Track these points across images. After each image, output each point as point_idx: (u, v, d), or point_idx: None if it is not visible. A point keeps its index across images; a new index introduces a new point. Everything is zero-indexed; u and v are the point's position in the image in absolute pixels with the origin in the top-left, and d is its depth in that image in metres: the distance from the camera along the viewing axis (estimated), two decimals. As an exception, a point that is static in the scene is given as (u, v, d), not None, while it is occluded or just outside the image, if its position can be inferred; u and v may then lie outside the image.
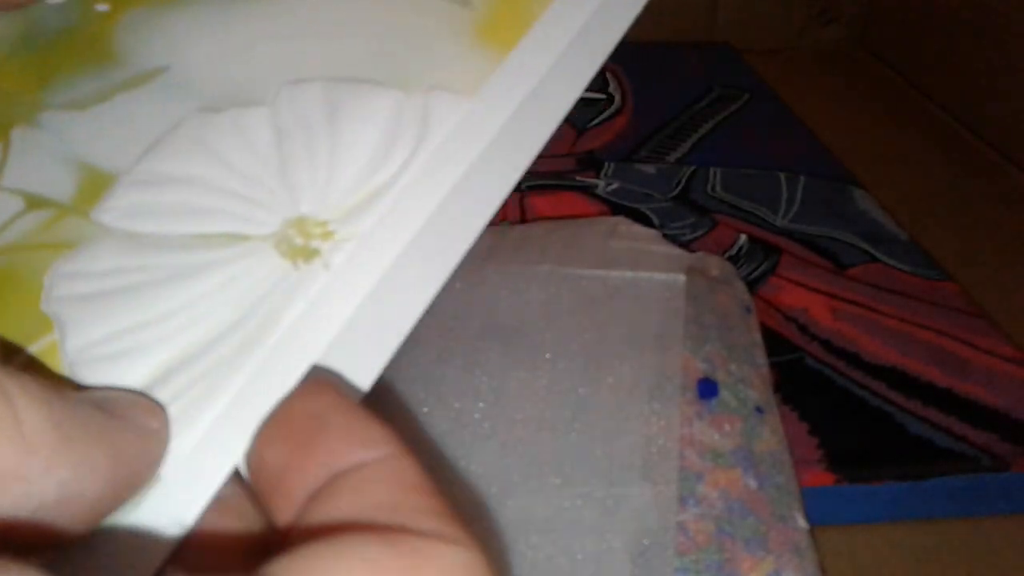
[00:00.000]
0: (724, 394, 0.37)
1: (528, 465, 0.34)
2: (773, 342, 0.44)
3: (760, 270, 0.51)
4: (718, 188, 0.59)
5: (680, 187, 0.59)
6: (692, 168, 0.61)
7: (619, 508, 0.32)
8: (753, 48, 0.83)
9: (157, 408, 0.18)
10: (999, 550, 0.39)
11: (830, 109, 0.74)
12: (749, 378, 0.38)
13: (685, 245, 0.51)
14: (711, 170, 0.61)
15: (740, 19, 0.85)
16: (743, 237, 0.54)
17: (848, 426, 0.41)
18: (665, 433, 0.35)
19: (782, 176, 0.60)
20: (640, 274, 0.42)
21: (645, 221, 0.54)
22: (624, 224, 0.46)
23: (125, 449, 0.17)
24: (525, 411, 0.36)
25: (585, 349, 0.39)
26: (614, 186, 0.58)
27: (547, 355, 0.38)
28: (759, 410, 0.37)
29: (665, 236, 0.47)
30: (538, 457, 0.34)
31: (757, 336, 0.41)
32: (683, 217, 0.55)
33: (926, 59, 0.78)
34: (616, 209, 0.55)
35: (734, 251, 0.53)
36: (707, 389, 0.37)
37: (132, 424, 0.17)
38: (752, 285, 0.49)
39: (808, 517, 0.34)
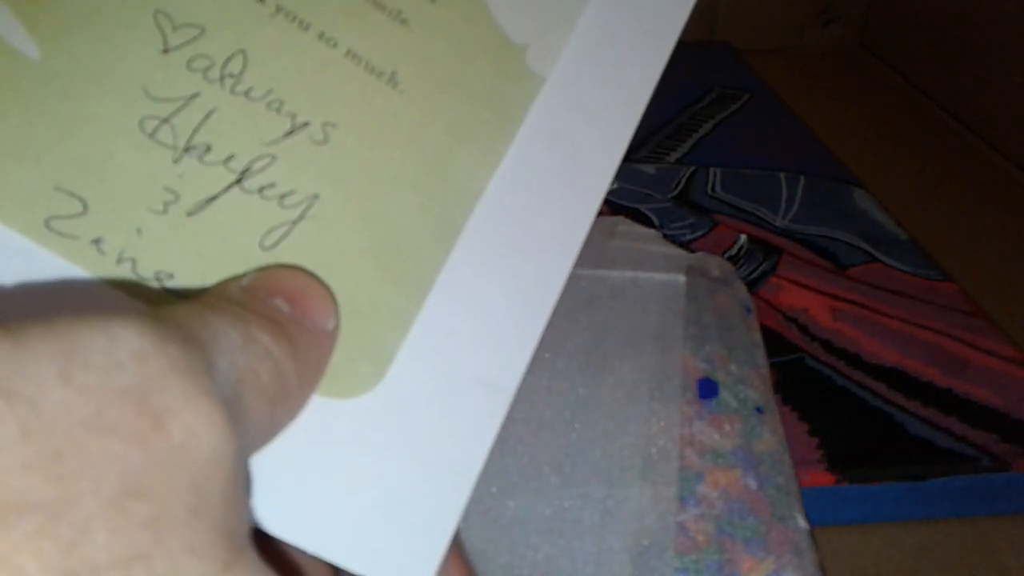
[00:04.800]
0: (724, 394, 0.37)
1: (528, 465, 0.34)
2: (773, 342, 0.44)
3: (760, 270, 0.51)
4: (718, 188, 0.59)
5: (680, 187, 0.59)
6: (692, 168, 0.61)
7: (619, 508, 0.32)
8: (753, 48, 0.83)
9: (331, 302, 0.19)
10: (999, 550, 0.38)
11: (830, 109, 0.74)
12: (749, 378, 0.38)
13: (685, 245, 0.51)
14: (711, 170, 0.61)
15: (740, 19, 0.85)
16: (743, 237, 0.54)
17: (848, 426, 0.41)
18: (665, 433, 0.35)
19: (782, 176, 0.60)
20: (640, 274, 0.42)
21: (645, 221, 0.54)
22: (624, 224, 0.46)
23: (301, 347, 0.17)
24: (525, 411, 0.36)
25: (585, 349, 0.39)
26: (614, 186, 0.58)
27: (547, 355, 0.38)
28: (759, 410, 0.37)
29: (665, 236, 0.47)
30: (538, 457, 0.34)
31: (757, 336, 0.41)
32: (683, 217, 0.55)
33: (926, 59, 0.78)
34: (616, 209, 0.55)
35: (734, 251, 0.53)
36: (707, 389, 0.37)
37: (307, 323, 0.18)
38: (752, 285, 0.49)
39: (808, 517, 0.34)
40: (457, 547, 0.21)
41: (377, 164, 0.20)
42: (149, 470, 0.13)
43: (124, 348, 0.13)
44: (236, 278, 0.18)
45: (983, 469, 0.39)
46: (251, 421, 0.15)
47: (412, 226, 0.20)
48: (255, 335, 0.16)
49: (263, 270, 0.18)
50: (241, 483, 0.14)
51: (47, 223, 0.18)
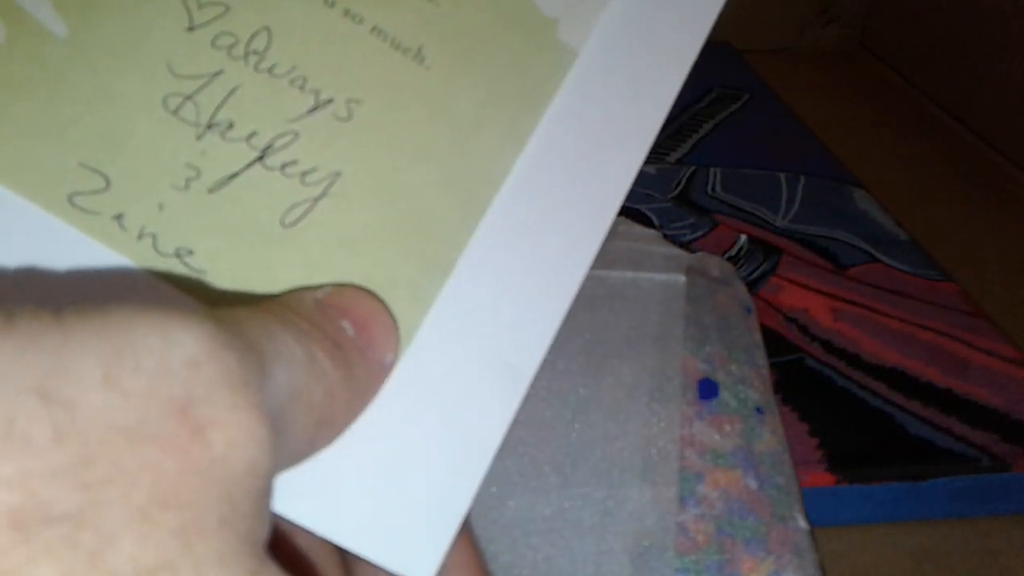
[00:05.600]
0: (724, 394, 0.37)
1: (528, 465, 0.34)
2: (773, 342, 0.44)
3: (760, 270, 0.51)
4: (718, 188, 0.59)
5: (680, 187, 0.59)
6: (692, 168, 0.61)
7: (619, 509, 0.32)
8: (753, 48, 0.83)
9: (395, 336, 0.18)
10: (999, 550, 0.39)
11: (830, 109, 0.74)
12: (749, 378, 0.38)
13: (685, 245, 0.51)
14: (711, 170, 0.61)
15: (740, 19, 0.85)
16: (743, 237, 0.54)
17: (848, 426, 0.41)
18: (665, 433, 0.35)
19: (782, 176, 0.60)
20: (640, 274, 0.42)
21: (645, 221, 0.54)
22: (624, 224, 0.46)
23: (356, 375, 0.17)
24: (525, 411, 0.36)
25: (585, 349, 0.39)
26: (614, 186, 0.58)
27: (547, 355, 0.38)
28: (759, 410, 0.37)
29: (665, 236, 0.47)
30: (538, 457, 0.34)
31: (757, 336, 0.41)
32: (683, 217, 0.55)
33: (926, 59, 0.78)
34: (616, 209, 0.55)
35: (734, 251, 0.53)
36: (707, 389, 0.37)
37: (368, 352, 0.17)
38: (752, 285, 0.49)
39: (808, 517, 0.34)
40: (467, 532, 0.20)
41: (401, 141, 0.20)
42: (183, 480, 0.12)
43: (177, 352, 0.13)
44: (312, 289, 0.18)
45: (983, 469, 0.39)
46: (293, 439, 0.15)
47: (436, 204, 0.20)
48: (316, 355, 0.16)
49: (340, 287, 0.18)
50: (270, 496, 0.14)
51: (70, 199, 0.18)
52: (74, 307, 0.13)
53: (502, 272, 0.20)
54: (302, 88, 0.20)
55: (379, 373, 0.18)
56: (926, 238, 0.55)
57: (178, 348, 0.13)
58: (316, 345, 0.16)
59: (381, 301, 0.19)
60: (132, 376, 0.13)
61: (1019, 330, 0.48)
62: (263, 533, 0.14)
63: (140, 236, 0.18)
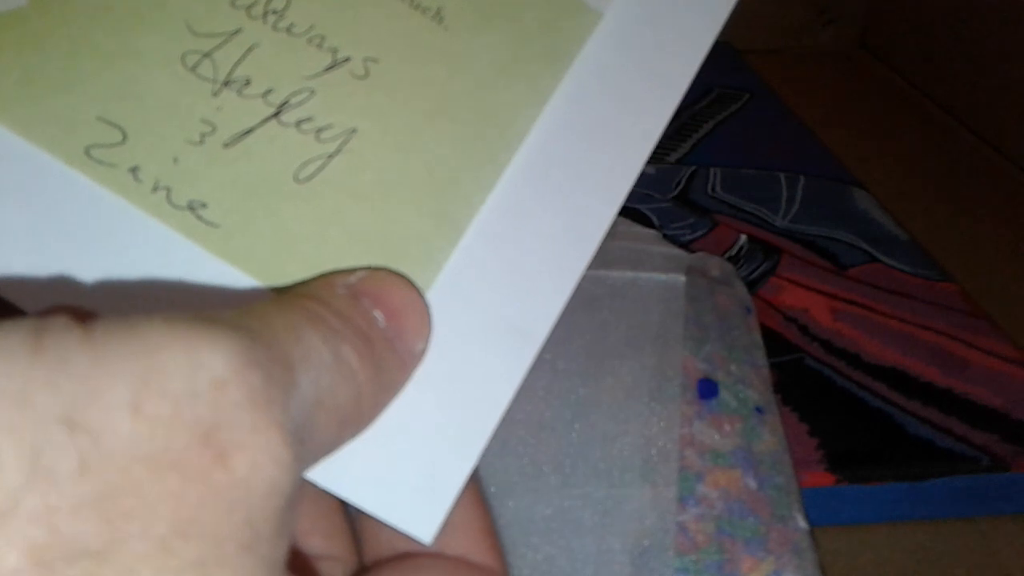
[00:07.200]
0: (724, 394, 0.37)
1: (528, 465, 0.34)
2: (773, 342, 0.44)
3: (760, 270, 0.51)
4: (718, 188, 0.59)
5: (680, 187, 0.59)
6: (692, 168, 0.61)
7: (619, 509, 0.32)
8: (753, 48, 0.82)
9: (428, 322, 0.18)
10: (999, 550, 0.39)
11: (830, 109, 0.74)
12: (749, 378, 0.38)
13: (685, 245, 0.51)
14: (711, 170, 0.61)
15: (740, 19, 0.85)
16: (743, 237, 0.54)
17: (848, 426, 0.41)
18: (665, 433, 0.35)
19: (782, 176, 0.60)
20: (640, 274, 0.42)
21: (645, 221, 0.54)
22: (624, 224, 0.46)
23: (385, 368, 0.17)
24: (525, 411, 0.36)
25: (585, 349, 0.39)
26: (614, 186, 0.58)
27: (547, 355, 0.38)
28: (759, 410, 0.37)
29: (665, 236, 0.47)
30: (538, 457, 0.34)
31: (757, 336, 0.41)
32: (683, 217, 0.55)
33: (926, 59, 0.78)
34: (616, 209, 0.55)
35: (734, 251, 0.53)
36: (707, 389, 0.37)
37: (398, 342, 0.17)
38: (752, 285, 0.49)
39: (808, 517, 0.34)
40: (474, 490, 0.20)
41: (418, 100, 0.20)
42: (204, 507, 0.12)
43: (205, 375, 0.13)
44: (345, 273, 0.18)
45: (983, 469, 0.39)
46: (316, 442, 0.15)
47: (452, 164, 0.20)
48: (345, 355, 0.15)
49: (374, 272, 0.18)
50: (293, 508, 0.14)
51: (87, 151, 0.18)
52: (103, 322, 0.13)
53: (517, 235, 0.20)
54: (319, 46, 0.20)
55: (409, 363, 0.18)
56: (926, 238, 0.55)
57: (205, 370, 0.13)
58: (346, 343, 0.16)
59: (415, 287, 0.18)
60: (158, 401, 0.12)
61: (1019, 330, 0.48)
62: (283, 552, 0.13)
63: (155, 189, 0.19)
